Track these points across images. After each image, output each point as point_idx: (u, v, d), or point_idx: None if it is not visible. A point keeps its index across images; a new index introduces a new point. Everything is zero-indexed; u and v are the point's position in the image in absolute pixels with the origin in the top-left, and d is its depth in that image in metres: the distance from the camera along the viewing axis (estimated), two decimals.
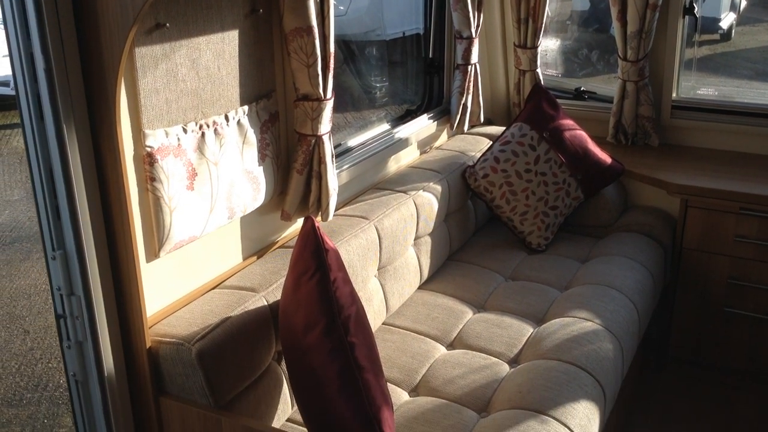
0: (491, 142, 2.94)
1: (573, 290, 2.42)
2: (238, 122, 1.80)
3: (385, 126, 2.71)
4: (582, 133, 2.86)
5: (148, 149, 1.56)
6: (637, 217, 2.86)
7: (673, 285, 2.81)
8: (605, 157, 2.85)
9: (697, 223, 2.69)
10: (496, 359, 2.09)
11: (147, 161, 1.57)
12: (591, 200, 2.88)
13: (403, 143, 2.66)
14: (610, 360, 2.06)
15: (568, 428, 1.77)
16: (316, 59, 1.87)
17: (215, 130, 1.73)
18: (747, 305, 2.69)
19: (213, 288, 1.83)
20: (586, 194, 2.82)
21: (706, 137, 3.05)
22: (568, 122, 2.85)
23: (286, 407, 1.80)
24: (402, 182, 2.51)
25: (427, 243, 2.51)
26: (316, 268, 1.48)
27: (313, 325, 1.45)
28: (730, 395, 2.80)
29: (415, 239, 2.45)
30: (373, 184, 2.52)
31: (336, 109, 2.44)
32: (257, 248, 2.03)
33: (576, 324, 2.18)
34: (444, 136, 3.06)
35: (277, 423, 1.77)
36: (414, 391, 1.98)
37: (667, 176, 2.75)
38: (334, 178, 2.08)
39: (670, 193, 2.72)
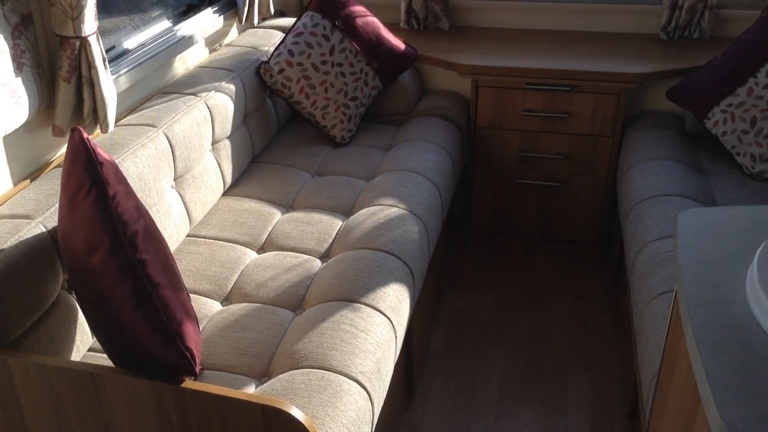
0: (284, 35, 2.81)
1: (378, 179, 2.45)
2: None
3: (166, 23, 2.49)
4: (374, 20, 2.82)
5: None
6: (433, 101, 2.91)
7: (471, 163, 2.94)
8: (399, 43, 2.84)
9: (488, 102, 2.80)
10: (308, 256, 2.08)
11: None
12: (389, 88, 2.89)
13: (187, 41, 2.47)
14: (415, 242, 2.12)
15: (380, 311, 1.81)
16: None
17: None
18: (536, 175, 2.89)
19: None
20: (383, 82, 2.82)
21: (493, 16, 3.14)
22: (360, 9, 2.79)
23: (85, 337, 1.67)
24: (191, 84, 2.34)
25: (226, 147, 2.39)
26: (91, 184, 1.34)
27: (96, 247, 1.33)
28: (528, 258, 3.05)
29: (212, 144, 2.32)
30: (159, 88, 2.33)
31: (106, 11, 2.19)
32: (29, 170, 1.82)
33: (382, 211, 2.21)
34: (234, 32, 2.88)
35: (77, 355, 1.64)
36: (226, 300, 1.93)
37: (457, 58, 2.81)
38: (110, 85, 1.89)
39: (462, 75, 2.79)
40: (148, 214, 1.48)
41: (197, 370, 1.41)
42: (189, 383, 1.35)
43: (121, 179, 1.42)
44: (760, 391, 0.96)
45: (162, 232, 1.97)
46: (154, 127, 2.04)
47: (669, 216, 2.15)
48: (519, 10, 3.10)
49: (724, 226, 1.32)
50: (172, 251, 2.06)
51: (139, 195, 1.88)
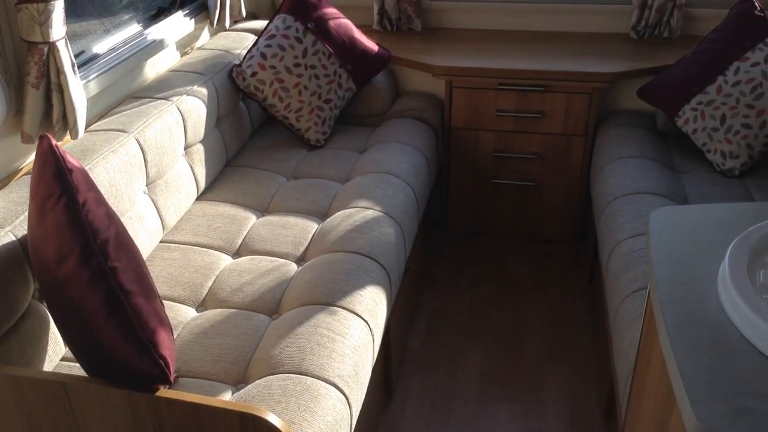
0: (256, 38, 2.80)
1: (353, 181, 2.44)
2: None
3: (136, 27, 2.46)
4: (347, 22, 2.81)
5: None
6: (408, 103, 2.92)
7: (447, 164, 2.94)
8: (372, 45, 2.84)
9: (462, 103, 2.81)
10: (284, 260, 2.07)
11: None
12: (363, 90, 2.88)
13: (158, 45, 2.44)
14: (392, 244, 2.12)
15: (357, 314, 1.81)
16: None
17: None
18: (511, 175, 2.90)
19: None
20: (357, 84, 2.82)
21: (465, 18, 3.15)
22: (332, 11, 2.79)
23: (58, 347, 1.65)
24: (162, 88, 2.32)
25: (199, 151, 2.37)
26: (61, 192, 1.32)
27: (67, 255, 1.31)
28: (504, 258, 3.06)
29: (185, 148, 2.30)
30: (130, 93, 2.30)
31: (76, 15, 2.16)
32: None
33: (358, 214, 2.21)
34: (206, 35, 2.86)
35: (49, 365, 1.62)
36: (201, 306, 1.91)
37: (431, 59, 2.81)
38: (79, 90, 1.86)
39: (435, 76, 2.80)
40: (120, 221, 1.46)
41: (172, 378, 1.39)
42: (164, 391, 1.33)
43: (92, 186, 1.40)
44: (733, 387, 0.97)
45: (134, 238, 1.95)
46: (125, 132, 2.01)
47: (642, 214, 2.17)
48: (491, 12, 3.11)
49: (696, 224, 1.34)
50: (145, 258, 2.04)
51: (111, 201, 1.85)
